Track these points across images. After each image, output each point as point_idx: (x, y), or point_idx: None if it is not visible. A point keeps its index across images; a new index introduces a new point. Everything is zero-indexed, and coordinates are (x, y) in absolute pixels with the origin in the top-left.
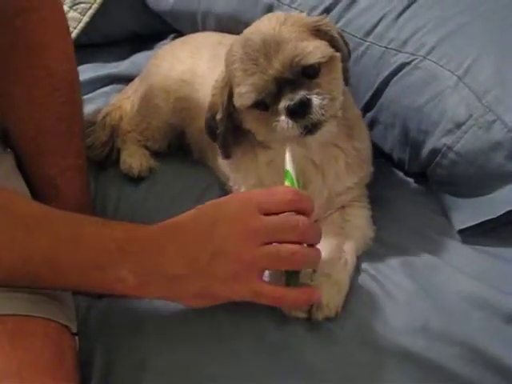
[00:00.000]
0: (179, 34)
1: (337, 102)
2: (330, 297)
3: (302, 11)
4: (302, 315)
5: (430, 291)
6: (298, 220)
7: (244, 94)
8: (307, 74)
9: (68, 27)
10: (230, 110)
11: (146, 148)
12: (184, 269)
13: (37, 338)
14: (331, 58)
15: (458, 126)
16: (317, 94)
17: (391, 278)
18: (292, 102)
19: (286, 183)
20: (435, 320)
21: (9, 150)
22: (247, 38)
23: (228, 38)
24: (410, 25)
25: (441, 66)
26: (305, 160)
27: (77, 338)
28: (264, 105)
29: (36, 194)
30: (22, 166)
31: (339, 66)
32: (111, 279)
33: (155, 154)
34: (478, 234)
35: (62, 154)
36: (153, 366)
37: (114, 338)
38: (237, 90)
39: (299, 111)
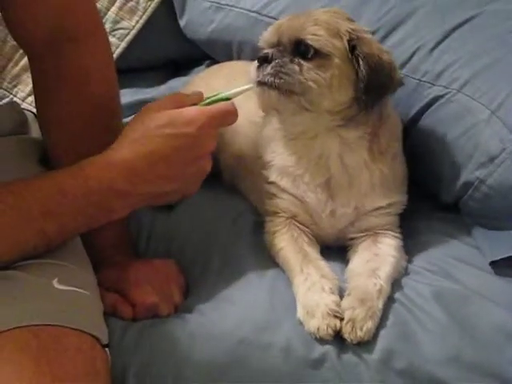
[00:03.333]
0: (214, 60)
1: (297, 86)
2: (363, 321)
3: None
4: (328, 337)
5: (462, 322)
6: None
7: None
8: (299, 52)
9: (112, 55)
10: None
11: None
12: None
13: (70, 351)
14: (328, 57)
15: (491, 159)
16: (282, 61)
17: (423, 307)
18: (261, 54)
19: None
20: (467, 351)
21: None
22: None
23: None
24: (444, 58)
25: (474, 99)
26: (336, 165)
27: (107, 349)
28: None
29: None
30: None
31: (335, 71)
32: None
33: None
34: (510, 265)
35: None
36: (186, 380)
37: (148, 355)
38: None
39: (260, 62)
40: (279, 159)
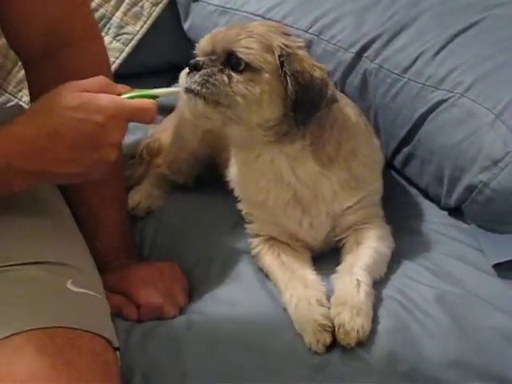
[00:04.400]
0: None
1: (224, 99)
2: (352, 321)
3: (341, 47)
4: (321, 351)
5: (463, 325)
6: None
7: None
8: (231, 63)
9: (108, 60)
10: None
11: (173, 182)
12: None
13: (84, 353)
14: (257, 71)
15: (495, 163)
16: (211, 71)
17: (425, 310)
18: (193, 61)
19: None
20: (470, 354)
21: None
22: None
23: None
24: (448, 62)
25: (478, 103)
26: (293, 181)
27: (118, 353)
28: None
29: (76, 222)
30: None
31: (264, 86)
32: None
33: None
34: None
35: (103, 184)
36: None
37: (153, 357)
38: None
39: (190, 68)
40: (243, 191)
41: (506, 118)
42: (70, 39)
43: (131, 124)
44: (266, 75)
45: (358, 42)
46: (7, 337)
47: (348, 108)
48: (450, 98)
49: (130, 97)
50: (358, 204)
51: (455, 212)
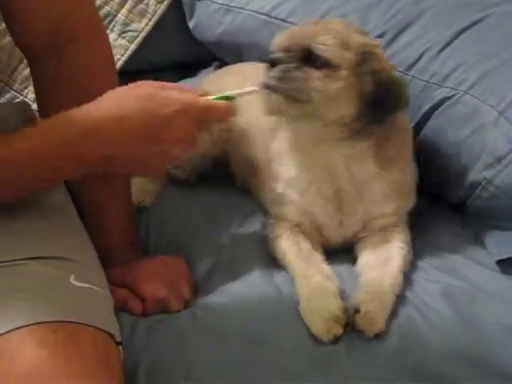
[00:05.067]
0: (222, 61)
1: (302, 93)
2: (378, 314)
3: None
4: (328, 341)
5: (469, 320)
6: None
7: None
8: (308, 59)
9: (113, 56)
10: None
11: (174, 178)
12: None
13: (86, 347)
14: (335, 68)
15: (499, 160)
16: (289, 67)
17: (431, 305)
18: (270, 56)
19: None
20: (475, 348)
21: None
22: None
23: None
24: (452, 60)
25: (482, 101)
26: (344, 177)
27: (121, 347)
28: None
29: (81, 216)
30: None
31: (341, 83)
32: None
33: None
34: None
35: (109, 178)
36: (195, 379)
37: (158, 352)
38: None
39: (268, 65)
40: (286, 171)
41: (509, 115)
42: (75, 36)
43: None
44: (344, 72)
45: None
46: (10, 331)
47: (406, 115)
48: (454, 95)
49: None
50: (395, 210)
51: (460, 208)
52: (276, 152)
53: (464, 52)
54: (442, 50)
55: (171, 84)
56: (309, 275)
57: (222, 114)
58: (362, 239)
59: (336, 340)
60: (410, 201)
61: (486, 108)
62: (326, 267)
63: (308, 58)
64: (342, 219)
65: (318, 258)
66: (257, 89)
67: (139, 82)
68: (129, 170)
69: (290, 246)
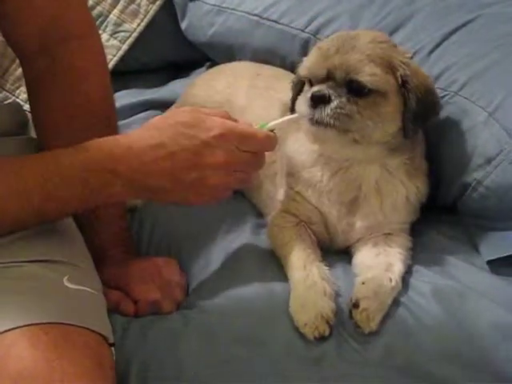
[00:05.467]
0: (215, 62)
1: (354, 125)
2: (376, 313)
3: None
4: (311, 337)
5: (459, 319)
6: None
7: (302, 65)
8: (353, 88)
9: (105, 55)
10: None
11: None
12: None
13: (78, 348)
14: (382, 94)
15: (489, 161)
16: (341, 101)
17: (421, 305)
18: (317, 92)
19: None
20: (465, 348)
21: None
22: (346, 32)
23: (266, 70)
24: (442, 61)
25: (472, 102)
26: (369, 188)
27: (113, 348)
28: (311, 84)
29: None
30: None
31: (388, 107)
32: (106, 195)
33: None
34: (507, 264)
35: None
36: (187, 380)
37: (150, 352)
38: (303, 61)
39: (315, 101)
40: (308, 172)
41: (499, 116)
42: (67, 36)
43: (127, 120)
44: (391, 96)
45: None
46: (2, 332)
47: None
48: (444, 96)
49: None
50: (406, 219)
51: (450, 209)
52: (296, 152)
53: (454, 53)
54: (433, 51)
55: (212, 111)
56: (309, 270)
57: (259, 142)
58: (363, 239)
59: (320, 339)
60: (418, 212)
61: (476, 109)
62: (325, 268)
63: (352, 87)
64: (353, 223)
65: (318, 257)
66: (296, 116)
67: (178, 109)
68: (170, 199)
69: (293, 238)
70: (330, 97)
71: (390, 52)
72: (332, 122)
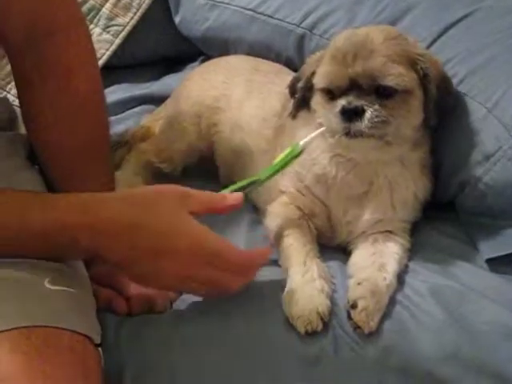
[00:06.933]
0: (208, 56)
1: (390, 128)
2: (374, 312)
3: None
4: (301, 330)
5: (458, 319)
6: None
7: (320, 76)
8: (379, 92)
9: (94, 49)
10: (310, 84)
11: (157, 169)
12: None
13: (62, 352)
14: (408, 92)
15: (487, 157)
16: (374, 110)
17: (420, 304)
18: (348, 105)
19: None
20: (464, 348)
21: (36, 166)
22: (354, 33)
23: (263, 64)
24: (440, 55)
25: (470, 97)
26: (383, 182)
27: (100, 349)
28: (331, 94)
29: None
30: (50, 189)
31: (415, 102)
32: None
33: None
34: (506, 263)
35: (89, 176)
36: (181, 381)
37: (144, 353)
38: (318, 70)
39: (349, 114)
40: (319, 168)
41: (498, 113)
42: (53, 29)
43: (119, 115)
44: (415, 90)
45: None
46: None
47: None
48: None
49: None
50: (409, 217)
51: (449, 207)
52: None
53: (452, 47)
54: (430, 45)
55: (198, 193)
56: (309, 265)
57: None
58: (362, 235)
59: (311, 334)
60: (421, 211)
61: (474, 105)
62: (324, 266)
63: (379, 91)
64: (361, 215)
65: (318, 254)
66: (324, 129)
67: (166, 189)
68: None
69: (295, 232)
70: (362, 108)
71: (406, 46)
72: (371, 131)
